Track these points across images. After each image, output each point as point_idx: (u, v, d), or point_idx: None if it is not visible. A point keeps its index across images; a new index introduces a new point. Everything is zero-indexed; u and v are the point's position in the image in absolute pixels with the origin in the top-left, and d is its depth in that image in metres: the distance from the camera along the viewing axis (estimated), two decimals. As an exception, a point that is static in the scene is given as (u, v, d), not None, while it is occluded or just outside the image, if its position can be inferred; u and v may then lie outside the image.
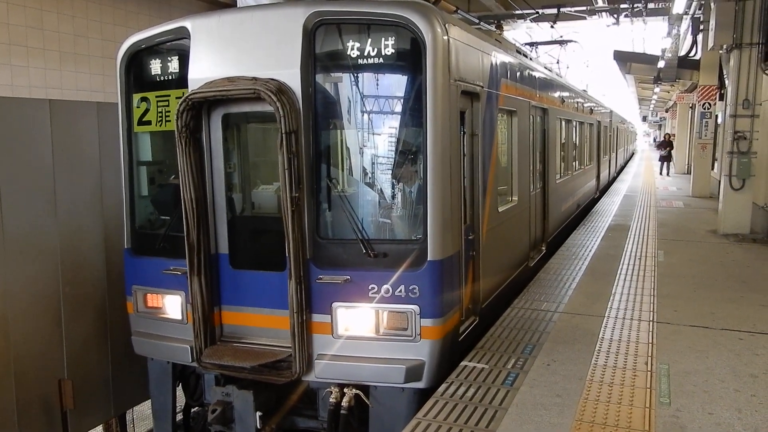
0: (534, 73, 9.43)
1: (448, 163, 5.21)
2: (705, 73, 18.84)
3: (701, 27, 17.07)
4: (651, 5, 19.52)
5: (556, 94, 11.55)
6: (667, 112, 47.17)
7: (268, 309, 5.50)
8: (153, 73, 5.86)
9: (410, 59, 5.08)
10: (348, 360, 5.20)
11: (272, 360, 5.26)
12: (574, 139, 14.25)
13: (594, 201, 17.78)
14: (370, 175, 5.53)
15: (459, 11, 16.03)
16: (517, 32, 20.73)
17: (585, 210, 15.78)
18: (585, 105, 16.16)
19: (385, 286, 5.08)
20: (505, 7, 18.86)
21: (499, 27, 15.33)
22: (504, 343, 5.94)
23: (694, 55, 19.48)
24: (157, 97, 5.85)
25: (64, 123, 6.56)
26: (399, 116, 5.31)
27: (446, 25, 5.17)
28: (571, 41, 17.41)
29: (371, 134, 5.38)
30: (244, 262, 5.60)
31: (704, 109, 18.80)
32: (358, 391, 5.27)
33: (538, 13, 18.15)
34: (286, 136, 4.96)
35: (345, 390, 5.28)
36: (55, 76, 12.93)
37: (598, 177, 19.16)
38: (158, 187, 6.25)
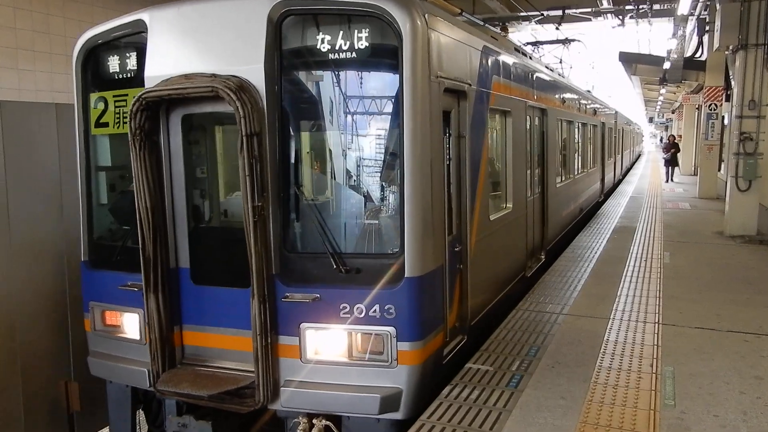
0: (531, 72, 8.95)
1: (429, 167, 4.75)
2: (711, 74, 18.77)
3: (707, 28, 17.01)
4: (656, 6, 19.44)
5: (557, 95, 11.08)
6: (673, 113, 47.00)
7: (233, 329, 5.01)
8: (110, 71, 5.41)
9: (386, 53, 4.65)
10: (318, 387, 4.73)
11: (235, 387, 4.81)
12: (576, 141, 13.85)
13: (598, 205, 17.50)
14: (342, 181, 5.12)
15: (464, 13, 16.02)
16: (522, 34, 20.70)
17: (588, 214, 15.42)
18: (588, 106, 15.78)
19: (357, 306, 4.61)
20: (509, 9, 18.84)
21: (504, 29, 15.31)
22: (508, 345, 5.93)
23: (700, 56, 19.41)
24: (114, 96, 5.41)
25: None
26: (374, 116, 4.91)
27: (427, 16, 4.74)
28: (574, 40, 17.17)
29: (343, 136, 4.99)
30: (207, 278, 5.15)
31: (710, 110, 18.71)
32: (328, 422, 4.81)
33: (542, 14, 18.12)
34: (247, 139, 4.53)
35: (314, 420, 4.82)
36: (61, 80, 13.00)
37: (602, 180, 18.82)
38: (118, 195, 5.74)
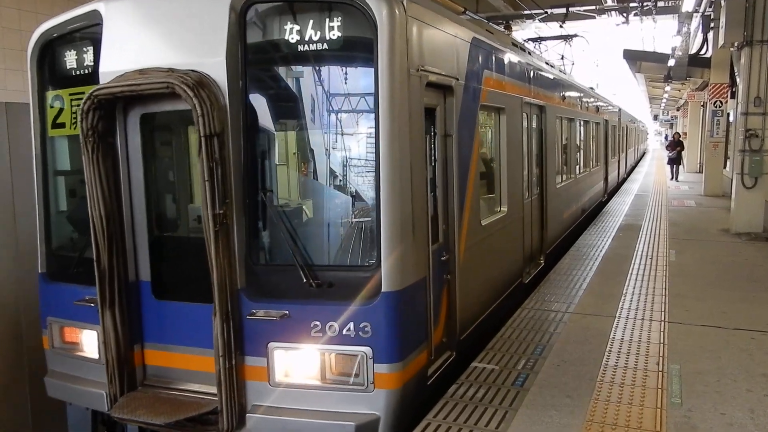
0: (528, 67, 8.46)
1: (409, 169, 4.35)
2: (716, 71, 18.70)
3: (711, 24, 16.94)
4: (660, 3, 19.40)
5: (557, 91, 10.64)
6: (678, 110, 46.86)
7: (199, 348, 4.59)
8: (67, 67, 5.01)
9: (360, 44, 4.27)
10: (287, 413, 4.36)
11: (196, 413, 4.43)
12: (577, 140, 13.43)
13: (602, 204, 17.16)
14: (313, 186, 4.77)
15: (467, 12, 15.99)
16: (526, 32, 20.64)
17: (592, 215, 15.09)
18: (591, 103, 15.37)
19: (330, 323, 4.24)
20: (513, 7, 18.81)
21: (508, 27, 15.27)
22: (514, 344, 5.92)
23: (705, 53, 19.33)
24: (71, 95, 5.01)
25: None
26: (348, 114, 4.48)
27: (406, 3, 4.36)
28: (576, 35, 16.97)
29: (315, 137, 4.61)
30: (169, 292, 4.78)
31: (715, 107, 18.65)
32: None
33: (546, 12, 18.08)
34: (206, 140, 4.13)
35: None
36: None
37: (606, 179, 18.48)
38: (79, 201, 5.24)
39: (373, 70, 4.17)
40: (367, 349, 4.22)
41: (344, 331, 4.23)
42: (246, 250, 4.42)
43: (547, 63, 11.37)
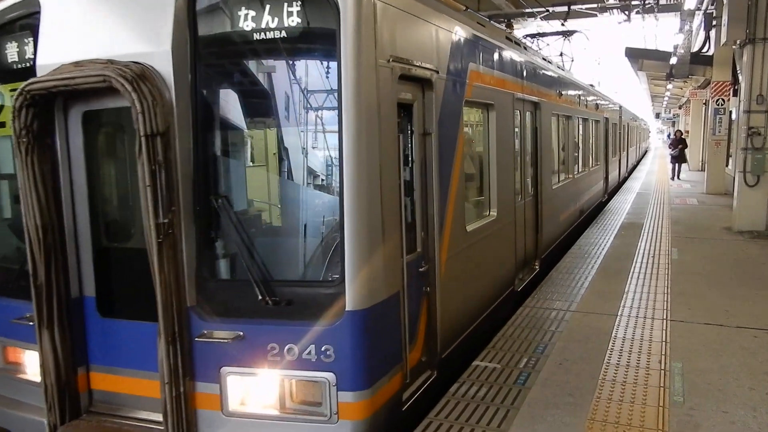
0: (521, 62, 7.96)
1: (377, 171, 3.89)
2: (718, 69, 18.67)
3: (714, 22, 16.89)
4: (662, 1, 19.36)
5: (553, 87, 10.14)
6: (680, 109, 46.79)
7: (149, 372, 4.10)
8: (6, 61, 4.58)
9: (321, 30, 3.85)
10: None
11: None
12: (576, 138, 12.97)
13: (602, 205, 16.84)
14: (271, 191, 4.33)
15: (468, 10, 15.97)
16: (528, 30, 20.62)
17: (591, 216, 14.72)
18: (590, 100, 14.90)
19: (289, 346, 3.82)
20: (515, 5, 18.79)
21: (509, 25, 15.26)
22: (516, 342, 5.91)
23: (707, 51, 19.26)
24: (11, 91, 4.46)
25: None
26: (309, 110, 4.04)
27: None
28: (575, 32, 16.75)
29: (274, 135, 4.17)
30: (116, 309, 4.35)
31: (718, 105, 18.62)
32: None
33: (548, 11, 18.07)
34: (147, 140, 3.68)
35: None
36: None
37: (606, 179, 18.09)
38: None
39: (336, 59, 3.75)
40: (329, 375, 3.80)
41: (304, 355, 3.82)
42: (196, 263, 3.97)
43: (544, 59, 10.97)
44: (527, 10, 18.66)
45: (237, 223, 4.00)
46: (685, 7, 17.39)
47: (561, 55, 15.92)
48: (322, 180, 4.12)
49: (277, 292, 3.87)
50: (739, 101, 12.78)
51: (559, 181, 10.90)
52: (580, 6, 18.73)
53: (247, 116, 4.22)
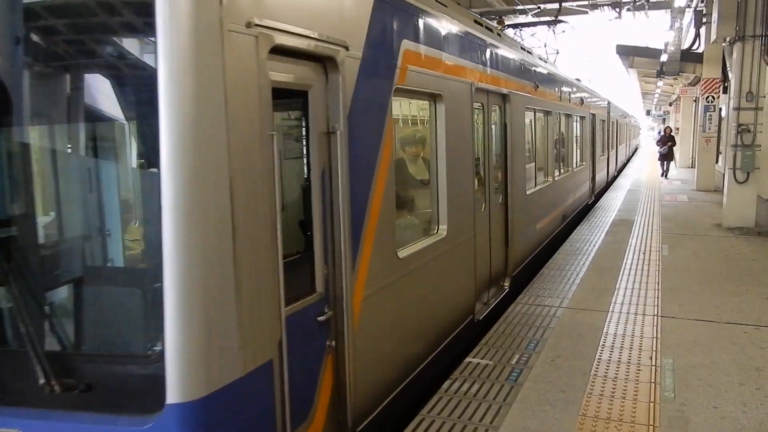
0: (484, 43, 6.66)
1: (227, 186, 2.69)
2: (708, 66, 18.79)
3: (704, 20, 16.99)
4: (653, -2, 19.48)
5: (528, 78, 8.87)
6: (670, 106, 47.03)
7: None
8: None
9: None
10: None
11: None
12: (556, 136, 11.76)
13: (588, 207, 15.85)
14: (63, 215, 3.00)
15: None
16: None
17: (576, 220, 13.72)
18: (574, 94, 13.66)
19: None
20: (506, 2, 18.82)
21: (501, 22, 15.25)
22: (508, 339, 5.92)
23: (697, 48, 19.40)
24: None
25: None
26: (119, 100, 2.86)
27: None
28: (560, 21, 15.89)
29: (66, 135, 2.96)
30: None
31: (708, 102, 18.73)
32: None
33: (539, 8, 18.09)
34: None
35: None
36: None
37: (593, 179, 17.02)
38: None
39: (151, 21, 2.50)
40: None
41: None
42: None
43: (523, 49, 9.75)
44: (519, 7, 18.69)
45: (12, 262, 2.74)
46: (675, 5, 17.49)
47: (545, 45, 15.49)
48: (140, 199, 2.91)
49: (71, 371, 2.63)
50: (729, 98, 12.86)
51: (535, 185, 9.72)
52: (571, 3, 18.78)
53: (25, 107, 2.88)
